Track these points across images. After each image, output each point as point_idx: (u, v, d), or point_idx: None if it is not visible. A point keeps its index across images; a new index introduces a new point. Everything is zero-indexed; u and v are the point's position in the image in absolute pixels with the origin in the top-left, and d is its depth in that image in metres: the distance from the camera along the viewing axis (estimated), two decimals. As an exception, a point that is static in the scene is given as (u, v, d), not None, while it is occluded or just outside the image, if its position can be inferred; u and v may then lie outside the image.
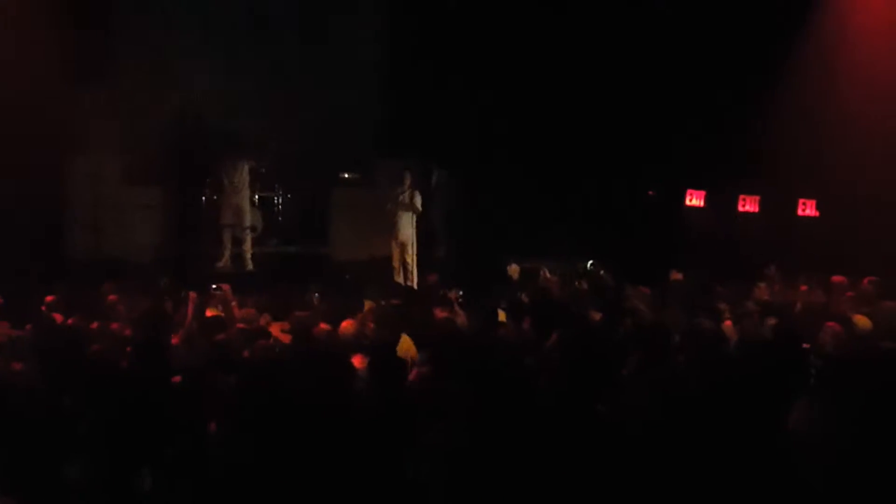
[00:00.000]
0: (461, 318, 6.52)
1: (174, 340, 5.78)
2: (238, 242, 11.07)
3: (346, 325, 5.66)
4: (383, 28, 13.32)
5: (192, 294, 6.27)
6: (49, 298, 6.78)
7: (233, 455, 3.77)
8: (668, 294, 7.60)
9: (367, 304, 6.47)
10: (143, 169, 11.79)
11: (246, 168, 10.98)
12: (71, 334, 5.58)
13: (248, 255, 11.11)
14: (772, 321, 6.06)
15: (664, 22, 10.87)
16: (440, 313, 6.56)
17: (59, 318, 6.23)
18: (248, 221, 11.02)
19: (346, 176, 13.17)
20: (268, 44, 13.08)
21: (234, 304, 6.79)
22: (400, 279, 10.20)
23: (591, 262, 10.58)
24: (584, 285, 8.77)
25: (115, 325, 6.08)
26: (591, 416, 3.90)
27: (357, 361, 4.82)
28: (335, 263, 11.64)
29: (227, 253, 11.00)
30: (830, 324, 5.84)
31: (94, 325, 6.13)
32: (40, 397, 4.27)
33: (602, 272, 9.96)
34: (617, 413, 3.95)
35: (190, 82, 12.42)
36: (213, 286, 7.70)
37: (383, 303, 6.93)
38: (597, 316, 6.32)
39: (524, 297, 7.26)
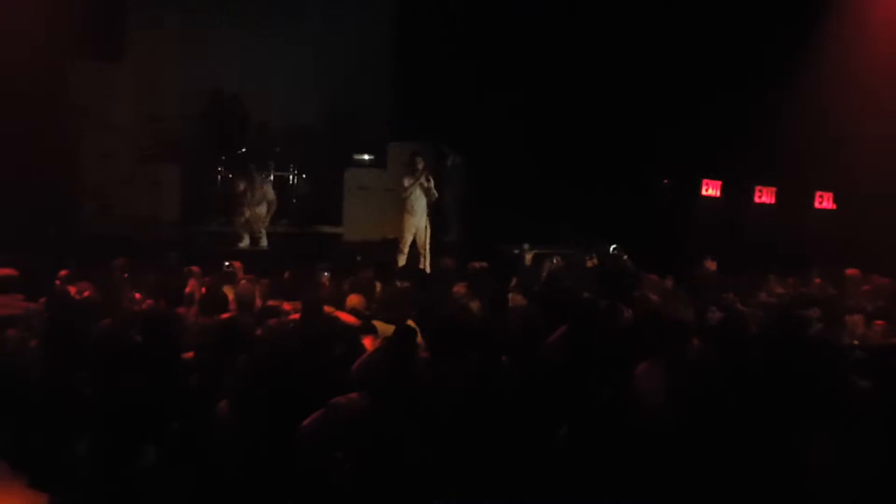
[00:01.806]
0: (475, 303, 6.49)
1: (187, 316, 5.81)
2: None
3: (353, 299, 5.63)
4: (398, 11, 13.27)
5: (196, 268, 6.28)
6: (63, 272, 6.82)
7: (240, 434, 3.78)
8: (698, 283, 7.57)
9: (376, 286, 6.45)
10: (156, 146, 11.89)
11: (268, 173, 11.22)
12: (83, 308, 5.60)
13: (264, 234, 11.27)
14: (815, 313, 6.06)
15: (683, 10, 10.74)
16: (458, 290, 6.55)
17: (73, 291, 6.27)
18: (263, 224, 11.19)
19: (364, 157, 13.17)
20: (282, 27, 13.07)
21: (243, 282, 6.80)
22: (403, 263, 10.21)
23: (614, 245, 10.51)
24: (595, 269, 8.73)
25: (126, 301, 6.11)
26: (594, 401, 3.88)
27: (367, 343, 4.82)
28: (347, 244, 11.70)
29: (248, 236, 11.23)
30: (879, 322, 6.03)
31: (108, 299, 6.17)
32: (52, 371, 4.29)
33: (625, 256, 9.91)
34: (621, 400, 3.93)
35: (203, 62, 12.49)
36: (226, 263, 7.78)
37: (391, 285, 6.93)
38: (603, 303, 6.28)
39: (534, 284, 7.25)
